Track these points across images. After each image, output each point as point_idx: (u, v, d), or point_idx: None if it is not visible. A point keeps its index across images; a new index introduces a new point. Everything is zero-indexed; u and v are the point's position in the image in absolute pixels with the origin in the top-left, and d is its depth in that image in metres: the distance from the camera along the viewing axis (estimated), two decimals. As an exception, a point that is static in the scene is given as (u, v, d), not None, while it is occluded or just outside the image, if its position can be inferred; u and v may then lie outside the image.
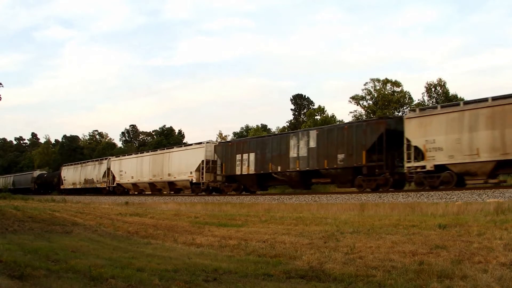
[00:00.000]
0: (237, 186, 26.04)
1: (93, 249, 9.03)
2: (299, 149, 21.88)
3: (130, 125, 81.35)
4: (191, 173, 27.60)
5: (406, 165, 17.92)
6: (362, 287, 5.47)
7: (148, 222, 14.94)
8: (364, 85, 47.32)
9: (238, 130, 62.99)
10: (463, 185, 17.07)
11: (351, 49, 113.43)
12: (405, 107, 42.98)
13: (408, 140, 17.99)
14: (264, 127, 59.46)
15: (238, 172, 25.04)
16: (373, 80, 46.85)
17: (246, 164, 24.55)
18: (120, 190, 35.54)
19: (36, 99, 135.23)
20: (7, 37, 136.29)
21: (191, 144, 30.62)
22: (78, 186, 40.68)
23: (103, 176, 36.77)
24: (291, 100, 61.82)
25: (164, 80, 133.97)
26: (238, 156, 25.03)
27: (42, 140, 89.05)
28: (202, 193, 27.30)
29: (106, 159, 38.09)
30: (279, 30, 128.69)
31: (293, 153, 22.12)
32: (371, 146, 18.99)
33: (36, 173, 50.90)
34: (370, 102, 47.07)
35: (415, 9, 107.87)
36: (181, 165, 28.51)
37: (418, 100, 45.15)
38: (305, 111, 59.25)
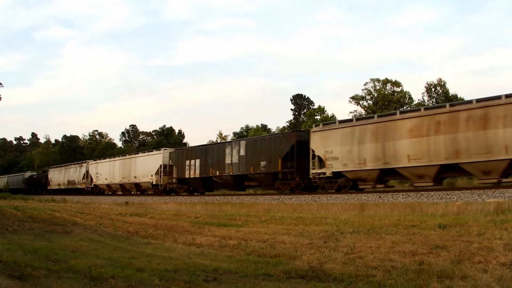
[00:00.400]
0: (187, 187, 29.57)
1: (93, 249, 9.03)
2: (232, 156, 25.37)
3: (130, 125, 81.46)
4: (151, 176, 31.40)
5: (311, 171, 21.26)
6: (362, 287, 5.46)
7: (148, 222, 14.94)
8: (364, 85, 47.36)
9: (238, 130, 63.05)
10: (358, 189, 20.16)
11: (351, 49, 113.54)
12: (405, 107, 42.97)
13: (313, 150, 21.16)
14: (264, 127, 59.48)
15: (187, 175, 28.62)
16: (373, 80, 46.88)
17: (193, 169, 28.16)
18: (96, 190, 39.10)
19: (36, 99, 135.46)
20: (7, 37, 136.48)
21: (152, 151, 34.74)
22: (62, 187, 44.22)
23: (83, 177, 40.61)
24: (291, 100, 61.89)
25: (164, 80, 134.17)
26: (187, 162, 28.61)
27: (42, 140, 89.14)
28: (163, 193, 30.81)
29: (85, 162, 41.68)
30: (279, 30, 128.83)
31: (228, 160, 25.63)
32: (285, 155, 22.28)
33: (27, 174, 54.40)
34: (370, 102, 47.08)
35: (415, 9, 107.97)
36: (144, 169, 32.23)
37: (418, 100, 45.19)
38: (305, 111, 59.27)
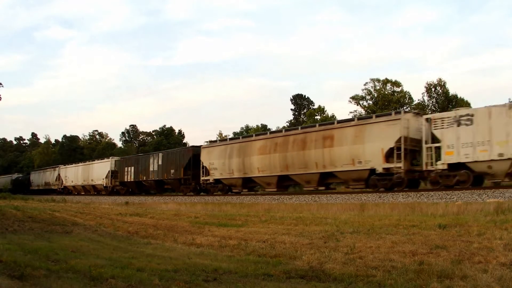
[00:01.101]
0: (126, 189, 36.49)
1: (93, 249, 9.02)
2: (154, 165, 32.15)
3: (130, 125, 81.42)
4: (103, 179, 38.12)
5: (201, 178, 27.84)
6: (362, 287, 5.46)
7: (148, 222, 14.94)
8: (364, 85, 47.37)
9: (238, 130, 63.07)
10: (231, 191, 26.87)
11: (351, 49, 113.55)
12: (405, 107, 42.98)
13: (202, 162, 27.72)
14: (264, 127, 59.43)
15: (126, 179, 35.75)
16: (373, 80, 46.88)
17: (130, 174, 35.05)
18: (66, 190, 45.02)
19: (36, 99, 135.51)
20: (8, 37, 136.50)
21: (103, 159, 41.56)
22: (40, 187, 50.92)
23: (56, 180, 47.01)
24: (291, 100, 61.86)
25: (164, 80, 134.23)
26: (126, 169, 35.61)
27: (42, 140, 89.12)
28: (111, 194, 36.96)
29: (57, 167, 48.44)
30: (279, 30, 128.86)
31: (151, 168, 32.41)
32: (186, 165, 29.05)
33: (14, 176, 61.06)
34: (370, 102, 47.08)
35: (415, 9, 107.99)
36: (98, 173, 38.98)
37: (418, 100, 45.23)
38: (305, 111, 59.25)
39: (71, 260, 7.12)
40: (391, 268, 6.21)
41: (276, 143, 23.16)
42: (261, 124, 61.17)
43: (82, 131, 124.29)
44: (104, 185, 37.59)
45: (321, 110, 53.20)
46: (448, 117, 17.37)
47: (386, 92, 45.96)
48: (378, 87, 46.67)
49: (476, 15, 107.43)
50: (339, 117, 49.73)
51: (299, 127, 24.09)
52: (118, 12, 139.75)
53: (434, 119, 17.85)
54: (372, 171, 18.93)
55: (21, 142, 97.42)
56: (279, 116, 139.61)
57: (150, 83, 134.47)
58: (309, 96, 62.41)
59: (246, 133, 55.22)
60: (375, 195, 17.80)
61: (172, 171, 29.98)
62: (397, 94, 45.65)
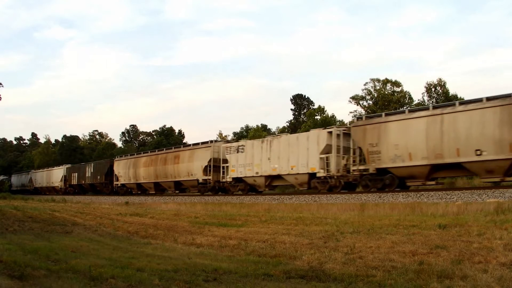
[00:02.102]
0: (73, 190, 44.97)
1: (93, 249, 9.02)
2: (88, 172, 41.53)
3: (130, 125, 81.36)
4: (59, 182, 47.06)
5: (114, 183, 37.43)
6: (362, 287, 5.46)
7: (148, 222, 14.94)
8: (364, 85, 47.31)
9: (238, 130, 63.05)
10: (132, 193, 36.31)
11: (351, 49, 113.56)
12: (405, 107, 42.99)
13: (114, 171, 37.41)
14: (264, 127, 59.45)
15: (72, 183, 44.80)
16: (373, 80, 46.83)
17: (75, 179, 44.29)
18: (37, 191, 52.27)
19: (36, 99, 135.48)
20: (8, 37, 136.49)
21: (59, 166, 50.41)
22: (19, 188, 58.38)
23: (29, 182, 55.74)
24: (291, 100, 61.83)
25: (164, 80, 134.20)
26: (73, 174, 45.07)
27: (42, 140, 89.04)
28: (65, 193, 44.68)
29: (30, 171, 57.92)
30: (279, 30, 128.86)
31: (87, 174, 41.72)
32: (106, 173, 38.81)
33: (1, 178, 67.83)
34: (370, 102, 47.06)
35: (415, 9, 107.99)
36: (56, 177, 48.02)
37: (418, 100, 45.18)
38: (305, 111, 59.21)
39: (71, 260, 7.12)
40: (391, 268, 6.21)
41: (152, 159, 33.31)
42: (261, 124, 61.20)
43: (82, 131, 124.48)
44: (60, 187, 46.63)
45: (321, 110, 53.17)
46: (232, 146, 26.21)
47: (386, 92, 45.94)
48: (378, 87, 46.65)
49: (476, 15, 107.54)
50: (339, 117, 49.88)
51: (164, 149, 34.17)
52: (118, 12, 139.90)
53: (226, 147, 26.57)
54: (198, 180, 28.23)
55: (21, 142, 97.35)
56: (279, 116, 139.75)
57: (150, 83, 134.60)
58: (309, 96, 62.41)
59: (246, 134, 55.35)
60: (375, 195, 17.81)
61: (98, 177, 39.81)
62: (397, 94, 45.63)
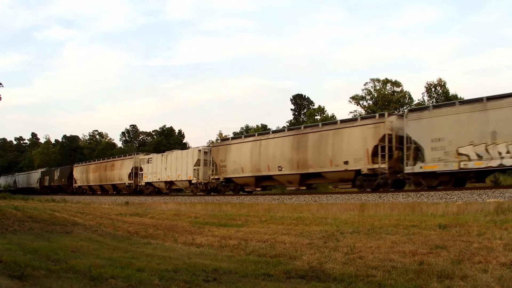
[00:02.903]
0: (46, 189, 49.90)
1: (93, 249, 9.02)
2: (56, 175, 48.38)
3: (130, 125, 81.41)
4: (36, 183, 52.61)
5: (73, 185, 44.56)
6: (362, 287, 5.46)
7: (148, 222, 14.94)
8: (364, 85, 47.32)
9: (238, 130, 63.06)
10: (87, 193, 43.40)
11: (351, 49, 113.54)
12: (405, 107, 42.99)
13: (73, 175, 44.22)
14: (264, 127, 59.41)
15: (46, 184, 50.60)
16: (373, 80, 46.84)
17: (47, 181, 50.31)
18: (19, 190, 56.08)
19: (36, 99, 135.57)
20: (8, 37, 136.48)
21: (36, 170, 57.15)
22: (1, 189, 61.88)
23: (13, 183, 61.48)
24: (291, 100, 61.81)
25: (164, 80, 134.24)
26: (45, 177, 51.00)
27: (42, 140, 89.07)
28: (40, 193, 49.42)
29: (14, 174, 65.31)
30: (279, 30, 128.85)
31: (55, 177, 48.73)
32: (68, 176, 45.50)
33: None
34: (370, 102, 47.06)
35: (415, 9, 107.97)
36: (34, 179, 54.33)
37: (418, 100, 45.20)
38: (305, 111, 59.23)
39: (71, 260, 7.12)
40: (391, 268, 6.21)
41: (97, 166, 40.79)
42: (261, 124, 61.17)
43: (82, 131, 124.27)
44: (36, 188, 51.93)
45: (321, 110, 53.19)
46: (145, 158, 34.04)
47: (386, 92, 45.94)
48: (378, 87, 46.66)
49: (476, 15, 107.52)
50: (339, 117, 49.79)
51: (106, 158, 42.73)
52: (118, 12, 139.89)
53: (141, 159, 34.40)
54: (125, 183, 36.06)
55: (21, 142, 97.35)
56: (279, 116, 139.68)
57: (150, 83, 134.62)
58: (309, 96, 62.40)
59: (246, 133, 55.47)
60: (375, 195, 17.81)
61: (63, 179, 46.45)
62: (397, 94, 45.63)
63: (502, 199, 13.19)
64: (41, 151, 76.86)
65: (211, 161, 27.22)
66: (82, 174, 42.94)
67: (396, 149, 18.54)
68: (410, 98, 45.84)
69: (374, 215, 12.63)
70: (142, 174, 33.82)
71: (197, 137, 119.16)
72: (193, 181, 28.33)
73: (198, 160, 28.11)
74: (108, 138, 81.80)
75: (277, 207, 17.77)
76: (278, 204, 19.05)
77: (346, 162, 19.53)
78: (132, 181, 34.77)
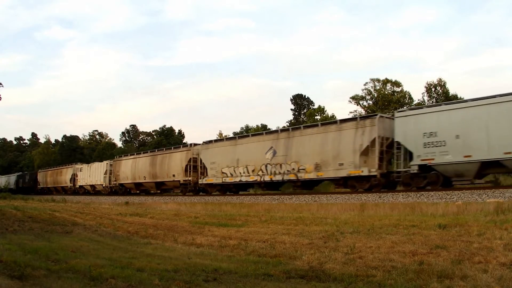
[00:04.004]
0: (19, 190, 54.34)
1: (93, 249, 9.02)
2: (26, 179, 56.01)
3: (130, 125, 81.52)
4: (13, 185, 58.32)
5: (38, 186, 52.09)
6: (362, 287, 5.46)
7: (148, 222, 14.93)
8: (364, 85, 47.37)
9: (238, 130, 63.10)
10: (53, 193, 47.67)
11: (351, 49, 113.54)
12: (405, 107, 42.99)
13: (37, 178, 53.23)
14: (264, 127, 59.45)
15: (20, 185, 56.44)
16: (373, 80, 46.89)
17: (21, 183, 56.57)
18: (1, 190, 62.06)
19: (36, 99, 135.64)
20: (8, 37, 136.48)
21: (14, 173, 64.61)
22: None
23: None
24: (291, 100, 61.89)
25: (164, 80, 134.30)
26: (19, 180, 57.71)
27: (42, 140, 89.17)
28: (17, 193, 52.80)
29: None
30: (279, 30, 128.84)
31: (26, 180, 56.02)
32: (34, 179, 53.82)
33: None
34: (370, 102, 47.09)
35: (415, 9, 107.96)
36: (12, 181, 60.18)
37: (418, 100, 45.25)
38: (305, 111, 59.28)
39: (71, 260, 7.12)
40: (391, 268, 6.21)
41: (53, 172, 49.26)
42: (261, 124, 61.22)
43: (82, 131, 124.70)
44: (14, 188, 57.34)
45: (321, 110, 53.26)
46: (79, 167, 43.67)
47: (386, 92, 45.96)
48: (378, 87, 46.69)
49: (476, 15, 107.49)
50: (339, 117, 49.79)
51: (61, 165, 51.83)
52: (118, 12, 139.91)
53: (76, 167, 44.12)
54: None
55: (21, 142, 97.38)
56: (279, 116, 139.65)
57: (150, 83, 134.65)
58: (309, 96, 62.49)
59: (246, 133, 55.58)
60: (375, 195, 17.82)
61: (31, 182, 54.26)
62: (397, 94, 45.67)
63: (502, 199, 13.20)
64: (41, 151, 76.90)
65: (112, 172, 38.01)
66: (43, 178, 52.31)
67: (199, 167, 28.82)
68: (410, 98, 45.92)
69: (374, 215, 12.63)
70: (77, 179, 43.97)
71: (197, 137, 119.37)
72: (104, 185, 39.25)
73: (106, 170, 38.96)
74: (108, 138, 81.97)
75: (277, 207, 17.76)
76: (278, 204, 19.04)
77: (174, 175, 30.54)
78: (72, 184, 44.86)
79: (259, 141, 24.90)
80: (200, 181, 28.14)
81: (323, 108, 53.52)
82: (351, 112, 47.30)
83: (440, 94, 44.01)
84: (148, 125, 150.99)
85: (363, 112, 45.78)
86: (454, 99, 39.71)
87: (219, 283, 5.72)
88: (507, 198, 13.39)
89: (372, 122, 19.52)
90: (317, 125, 22.84)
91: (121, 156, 38.68)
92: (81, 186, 42.99)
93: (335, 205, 16.21)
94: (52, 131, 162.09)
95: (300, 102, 61.44)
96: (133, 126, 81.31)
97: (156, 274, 6.06)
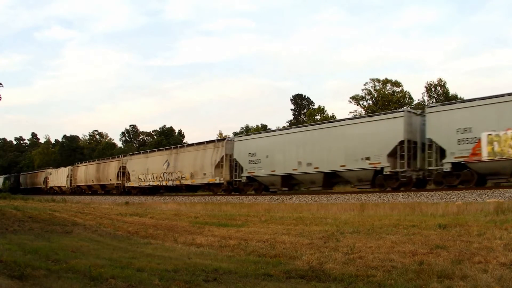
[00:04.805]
0: (8, 190, 57.02)
1: (93, 249, 9.02)
2: (11, 180, 62.79)
3: (130, 125, 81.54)
4: (1, 185, 63.07)
5: (21, 187, 59.58)
6: (362, 287, 5.46)
7: (148, 222, 14.93)
8: (364, 85, 47.37)
9: (238, 130, 63.11)
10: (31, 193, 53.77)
11: (351, 49, 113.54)
12: (405, 107, 42.99)
13: (20, 180, 62.61)
14: (264, 127, 59.46)
15: (6, 186, 62.74)
16: (373, 80, 46.90)
17: (9, 184, 61.39)
18: None
19: (36, 99, 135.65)
20: (8, 37, 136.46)
21: (2, 175, 68.96)
22: None
23: None
24: (291, 100, 61.90)
25: (164, 80, 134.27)
26: (7, 181, 63.57)
27: (42, 140, 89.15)
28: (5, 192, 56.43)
29: None
30: (279, 30, 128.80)
31: (11, 181, 62.55)
32: (17, 181, 62.43)
33: None
34: (370, 102, 47.09)
35: (415, 9, 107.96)
36: (0, 182, 65.83)
37: (418, 100, 45.27)
38: (305, 111, 59.28)
39: (71, 260, 7.12)
40: (391, 268, 6.21)
41: (34, 174, 57.58)
42: (261, 124, 61.23)
43: (82, 131, 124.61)
44: (1, 188, 61.00)
45: (321, 110, 53.29)
46: (51, 171, 50.43)
47: (386, 92, 45.96)
48: (378, 87, 46.69)
49: (476, 15, 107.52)
50: (339, 117, 49.85)
51: (38, 170, 59.20)
52: (118, 12, 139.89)
53: (48, 171, 51.79)
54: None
55: (21, 142, 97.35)
56: (279, 116, 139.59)
57: (150, 83, 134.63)
58: (309, 96, 62.49)
59: (246, 133, 55.69)
60: (375, 195, 17.82)
61: (15, 183, 60.81)
62: (397, 94, 45.68)
63: (502, 199, 13.20)
64: (41, 151, 76.88)
65: (72, 175, 44.95)
66: (24, 180, 60.56)
67: (126, 174, 35.82)
68: (410, 98, 45.97)
69: (374, 215, 12.63)
70: (48, 181, 51.15)
71: (197, 137, 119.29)
72: (67, 186, 46.34)
73: (68, 174, 46.04)
74: (108, 138, 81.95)
75: (277, 207, 17.76)
76: (278, 204, 19.04)
77: (110, 179, 37.48)
78: (45, 185, 51.91)
79: (160, 155, 32.66)
80: (126, 184, 35.63)
81: (323, 108, 53.58)
82: (351, 112, 47.36)
83: (440, 94, 44.01)
84: (148, 125, 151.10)
85: (363, 112, 45.78)
86: (454, 99, 39.74)
87: (219, 283, 5.72)
88: (507, 198, 13.39)
89: (222, 144, 26.77)
90: (192, 145, 30.51)
91: (78, 163, 46.64)
92: (51, 187, 50.23)
93: (335, 205, 16.21)
94: (52, 131, 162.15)
95: (300, 102, 61.45)
96: (133, 126, 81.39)
97: (156, 274, 6.06)
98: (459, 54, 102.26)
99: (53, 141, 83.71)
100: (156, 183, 31.85)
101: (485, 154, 16.09)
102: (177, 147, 32.17)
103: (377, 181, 19.22)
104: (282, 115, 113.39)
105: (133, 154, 37.78)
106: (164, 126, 74.65)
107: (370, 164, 19.06)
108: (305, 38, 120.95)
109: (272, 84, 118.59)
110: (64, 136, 78.19)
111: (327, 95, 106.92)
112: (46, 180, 51.68)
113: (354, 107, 48.39)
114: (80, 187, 43.93)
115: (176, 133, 74.22)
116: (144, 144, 74.00)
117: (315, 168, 21.28)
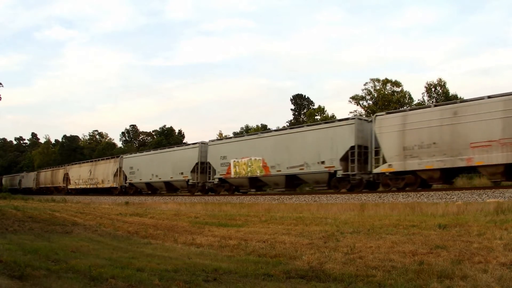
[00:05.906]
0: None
1: (93, 249, 9.02)
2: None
3: (130, 125, 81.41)
4: None
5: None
6: (362, 287, 5.46)
7: (148, 222, 14.94)
8: (364, 85, 47.28)
9: (238, 130, 63.09)
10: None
11: (351, 49, 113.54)
12: (405, 107, 42.97)
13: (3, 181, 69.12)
14: (264, 127, 59.44)
15: None
16: (373, 80, 46.80)
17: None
18: None
19: (36, 99, 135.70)
20: (8, 37, 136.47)
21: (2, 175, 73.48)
22: None
23: None
24: (291, 100, 61.82)
25: (165, 80, 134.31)
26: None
27: (42, 140, 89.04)
28: None
29: None
30: (279, 30, 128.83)
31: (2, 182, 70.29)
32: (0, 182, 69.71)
33: None
34: (370, 102, 47.05)
35: (415, 9, 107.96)
36: None
37: (418, 100, 45.21)
38: (305, 111, 59.25)
39: (71, 260, 7.12)
40: (391, 268, 6.21)
41: (10, 178, 65.52)
42: (261, 124, 61.19)
43: (82, 131, 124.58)
44: None
45: (321, 110, 53.21)
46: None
47: (386, 92, 45.92)
48: (378, 87, 46.64)
49: (476, 15, 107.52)
50: (339, 117, 49.82)
51: (25, 172, 64.28)
52: (118, 12, 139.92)
53: (26, 174, 62.32)
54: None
55: (21, 142, 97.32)
56: (279, 116, 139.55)
57: (150, 83, 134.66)
58: (309, 96, 62.44)
59: (246, 133, 55.72)
60: (375, 195, 17.82)
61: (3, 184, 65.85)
62: (397, 94, 45.62)
63: (502, 199, 13.19)
64: (41, 151, 76.82)
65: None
66: (5, 181, 65.95)
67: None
68: (410, 98, 45.84)
69: (374, 215, 12.63)
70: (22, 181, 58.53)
71: (197, 137, 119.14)
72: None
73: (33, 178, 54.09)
74: (108, 138, 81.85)
75: (277, 207, 17.76)
76: (278, 204, 19.04)
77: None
78: (19, 186, 57.79)
79: (86, 166, 43.36)
80: (68, 186, 45.58)
81: (323, 108, 53.50)
82: (351, 112, 47.23)
83: (440, 94, 43.97)
84: (148, 125, 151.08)
85: (363, 112, 45.77)
86: (454, 99, 39.72)
87: (219, 283, 5.72)
88: (507, 198, 13.39)
89: (117, 160, 37.78)
90: (103, 159, 42.06)
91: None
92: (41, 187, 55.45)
93: (335, 205, 16.20)
94: (52, 131, 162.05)
95: (300, 102, 61.40)
96: (133, 126, 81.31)
97: (156, 274, 6.06)
98: (459, 54, 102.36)
99: (53, 141, 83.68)
100: (84, 186, 43.04)
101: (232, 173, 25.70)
102: (94, 160, 44.44)
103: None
104: (282, 115, 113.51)
105: (73, 164, 48.33)
106: (164, 126, 74.67)
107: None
108: (305, 38, 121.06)
109: (272, 84, 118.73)
110: (64, 136, 78.20)
111: (327, 95, 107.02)
112: (20, 181, 58.37)
113: (354, 107, 48.33)
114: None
115: (176, 133, 74.20)
116: (144, 144, 73.98)
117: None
